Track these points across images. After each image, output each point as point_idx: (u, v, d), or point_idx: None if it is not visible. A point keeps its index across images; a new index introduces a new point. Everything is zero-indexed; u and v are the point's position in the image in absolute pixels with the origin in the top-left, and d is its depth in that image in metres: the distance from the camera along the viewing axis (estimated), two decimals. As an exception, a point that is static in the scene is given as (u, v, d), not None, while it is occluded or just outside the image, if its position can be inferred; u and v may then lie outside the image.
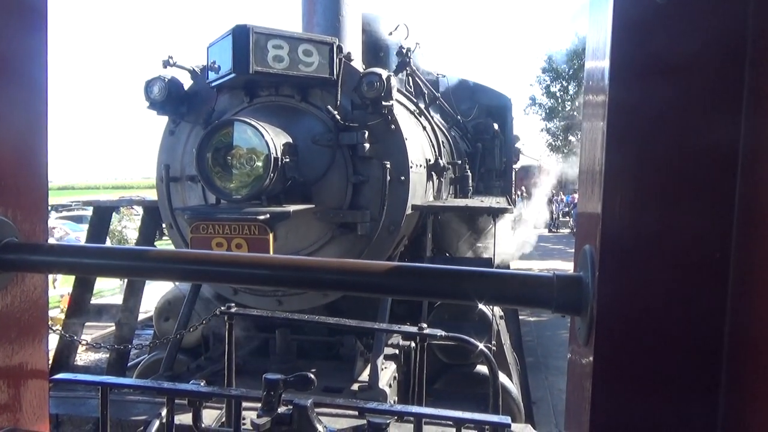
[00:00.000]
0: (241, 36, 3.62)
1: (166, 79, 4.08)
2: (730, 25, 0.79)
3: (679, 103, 0.82)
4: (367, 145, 3.88)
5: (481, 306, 4.03)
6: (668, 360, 0.83)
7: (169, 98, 4.09)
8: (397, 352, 3.99)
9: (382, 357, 3.73)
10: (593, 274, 0.86)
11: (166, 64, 4.06)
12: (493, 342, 3.92)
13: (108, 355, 4.99)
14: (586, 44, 1.03)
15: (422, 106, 5.69)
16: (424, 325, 2.81)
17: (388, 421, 1.63)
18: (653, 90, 0.83)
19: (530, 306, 1.00)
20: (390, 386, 3.72)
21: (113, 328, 5.34)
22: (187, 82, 4.34)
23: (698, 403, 0.83)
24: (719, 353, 0.81)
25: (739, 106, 0.79)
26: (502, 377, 3.69)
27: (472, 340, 2.80)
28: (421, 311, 4.05)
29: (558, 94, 30.88)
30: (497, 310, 4.24)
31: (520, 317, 5.47)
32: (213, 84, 4.00)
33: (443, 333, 2.71)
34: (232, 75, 3.70)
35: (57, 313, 9.53)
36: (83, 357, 8.63)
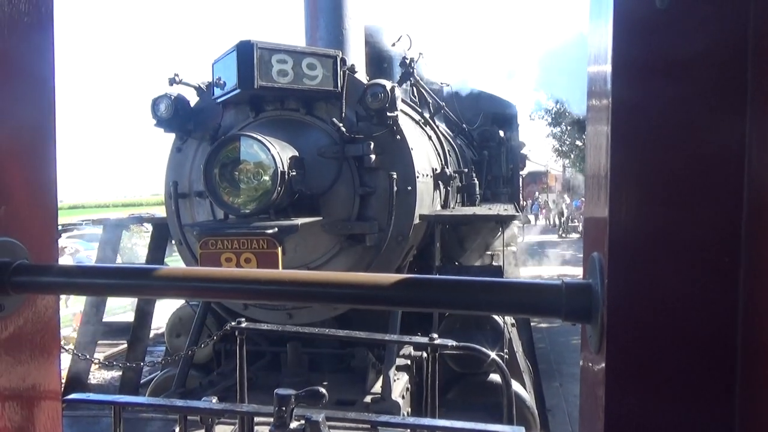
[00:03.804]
0: (245, 51, 3.65)
1: (173, 97, 4.12)
2: (731, 27, 0.79)
3: (683, 106, 0.81)
4: (373, 157, 3.89)
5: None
6: (681, 365, 0.82)
7: (175, 116, 4.13)
8: (409, 362, 3.97)
9: (394, 368, 3.72)
10: (602, 281, 0.86)
11: (172, 81, 4.11)
12: (506, 350, 3.90)
13: (121, 373, 5.00)
14: (588, 49, 1.03)
15: (427, 115, 5.70)
16: (435, 335, 2.80)
17: (401, 434, 1.62)
18: (656, 93, 0.83)
19: (540, 315, 0.99)
20: (403, 397, 3.71)
21: (125, 345, 5.36)
22: (193, 99, 4.38)
23: (713, 408, 0.82)
24: (732, 357, 0.80)
25: (743, 107, 0.79)
26: (516, 385, 3.66)
27: (484, 349, 2.78)
28: (431, 320, 4.04)
29: (563, 98, 30.81)
30: (509, 318, 4.22)
31: (531, 324, 5.44)
32: (219, 100, 4.03)
33: (455, 343, 2.70)
34: (238, 90, 3.73)
35: (69, 331, 9.58)
36: (96, 375, 8.65)
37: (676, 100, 0.82)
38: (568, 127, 30.30)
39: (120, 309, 13.15)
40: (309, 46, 4.52)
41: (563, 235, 31.67)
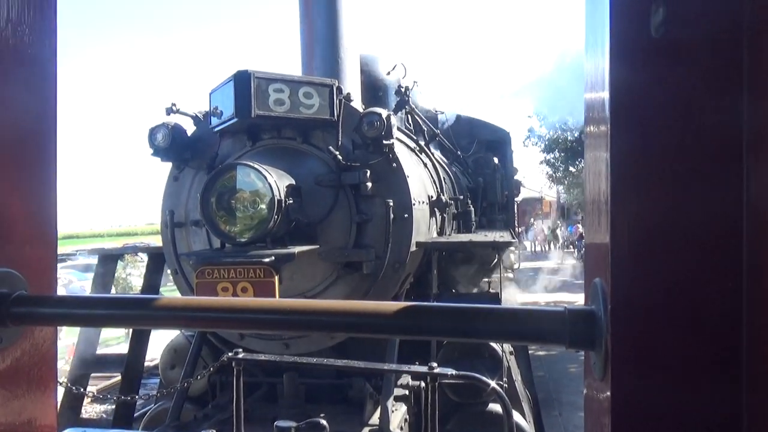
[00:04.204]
0: (242, 81, 3.69)
1: (170, 126, 4.14)
2: (726, 56, 0.81)
3: (682, 132, 0.83)
4: (369, 184, 3.90)
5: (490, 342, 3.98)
6: (689, 391, 0.81)
7: (172, 145, 4.14)
8: (407, 392, 3.92)
9: (392, 399, 3.67)
10: (605, 306, 0.85)
11: (169, 111, 4.13)
12: (505, 379, 3.86)
13: (114, 406, 4.91)
14: (584, 75, 1.05)
15: (422, 143, 5.75)
16: (434, 364, 2.77)
17: (402, 465, 1.59)
18: (654, 120, 0.84)
19: (543, 342, 0.98)
20: (401, 429, 3.65)
21: (119, 377, 5.28)
22: (190, 129, 4.40)
23: (722, 435, 0.81)
24: (739, 383, 0.79)
25: (740, 134, 0.80)
26: (516, 415, 3.61)
27: (483, 378, 2.75)
28: (429, 350, 4.00)
29: (557, 125, 31.14)
30: (507, 346, 4.18)
31: (529, 351, 5.40)
32: (216, 129, 4.05)
33: (454, 372, 2.67)
34: (235, 120, 3.76)
35: (62, 364, 9.44)
36: (89, 409, 8.49)
37: (675, 126, 0.83)
38: (562, 154, 30.56)
39: (114, 340, 12.99)
40: (305, 75, 4.57)
41: (558, 261, 31.60)
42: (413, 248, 4.14)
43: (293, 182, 3.67)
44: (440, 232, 5.30)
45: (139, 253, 7.56)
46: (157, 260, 5.08)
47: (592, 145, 0.98)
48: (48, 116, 1.18)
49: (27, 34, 1.10)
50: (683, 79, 0.82)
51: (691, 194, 0.82)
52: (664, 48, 0.82)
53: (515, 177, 13.40)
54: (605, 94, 0.87)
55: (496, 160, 10.39)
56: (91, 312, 1.11)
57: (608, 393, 0.85)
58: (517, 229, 13.93)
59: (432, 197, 4.95)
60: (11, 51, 1.09)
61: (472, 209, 6.81)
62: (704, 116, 0.82)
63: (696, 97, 0.82)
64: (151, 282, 5.17)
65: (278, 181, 3.49)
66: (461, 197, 6.74)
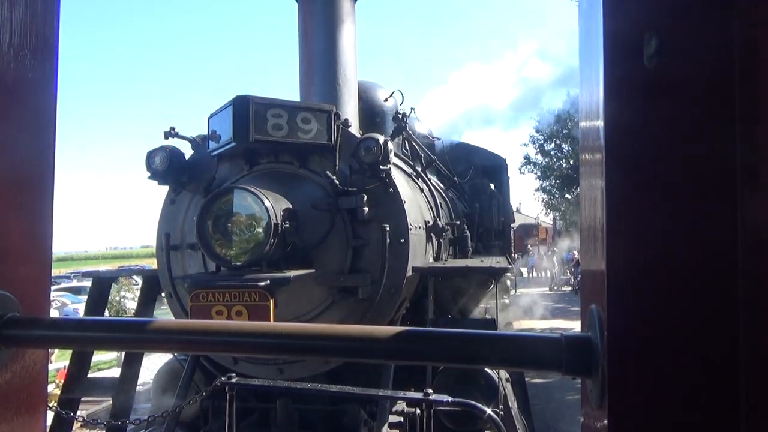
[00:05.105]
0: (241, 106, 3.72)
1: (168, 150, 4.16)
2: (717, 85, 0.82)
3: (676, 161, 0.83)
4: (366, 209, 3.91)
5: (486, 368, 3.94)
6: (687, 419, 0.81)
7: (170, 168, 4.16)
8: (402, 419, 3.87)
9: (386, 426, 3.61)
10: (602, 334, 0.85)
11: (168, 135, 4.16)
12: (501, 406, 3.81)
13: (104, 431, 4.82)
14: (579, 105, 1.06)
15: (419, 168, 5.77)
16: (430, 391, 2.74)
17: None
18: (648, 146, 0.85)
19: (539, 369, 0.98)
20: (396, 456, 3.59)
21: (110, 402, 5.19)
22: (188, 152, 4.42)
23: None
24: (736, 406, 0.79)
25: (734, 161, 0.80)
26: (512, 444, 3.57)
27: (479, 405, 2.73)
28: (424, 376, 3.96)
29: (552, 153, 31.42)
30: (503, 373, 4.15)
31: (525, 379, 5.34)
32: (214, 153, 4.07)
33: (449, 398, 2.64)
34: (233, 144, 3.78)
35: (52, 388, 9.29)
36: (77, 434, 8.33)
37: (668, 155, 0.84)
38: (557, 181, 30.77)
39: (106, 364, 12.82)
40: (304, 100, 4.61)
41: (554, 287, 31.51)
42: (409, 273, 4.13)
43: (290, 206, 3.67)
44: (436, 258, 5.29)
45: (134, 276, 7.51)
46: (151, 283, 5.05)
47: (587, 172, 0.99)
48: (46, 140, 1.18)
49: (28, 59, 1.12)
50: (676, 109, 0.84)
51: (686, 222, 0.82)
52: (657, 78, 0.83)
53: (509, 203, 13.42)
54: (600, 123, 0.88)
55: (492, 186, 10.43)
56: (83, 335, 1.10)
57: (605, 422, 0.84)
58: (513, 255, 13.91)
59: (428, 222, 4.96)
60: (12, 75, 1.10)
61: (469, 235, 6.80)
62: (697, 145, 0.83)
63: (689, 127, 0.83)
64: (146, 305, 5.12)
65: (275, 205, 3.49)
66: (457, 223, 6.75)
